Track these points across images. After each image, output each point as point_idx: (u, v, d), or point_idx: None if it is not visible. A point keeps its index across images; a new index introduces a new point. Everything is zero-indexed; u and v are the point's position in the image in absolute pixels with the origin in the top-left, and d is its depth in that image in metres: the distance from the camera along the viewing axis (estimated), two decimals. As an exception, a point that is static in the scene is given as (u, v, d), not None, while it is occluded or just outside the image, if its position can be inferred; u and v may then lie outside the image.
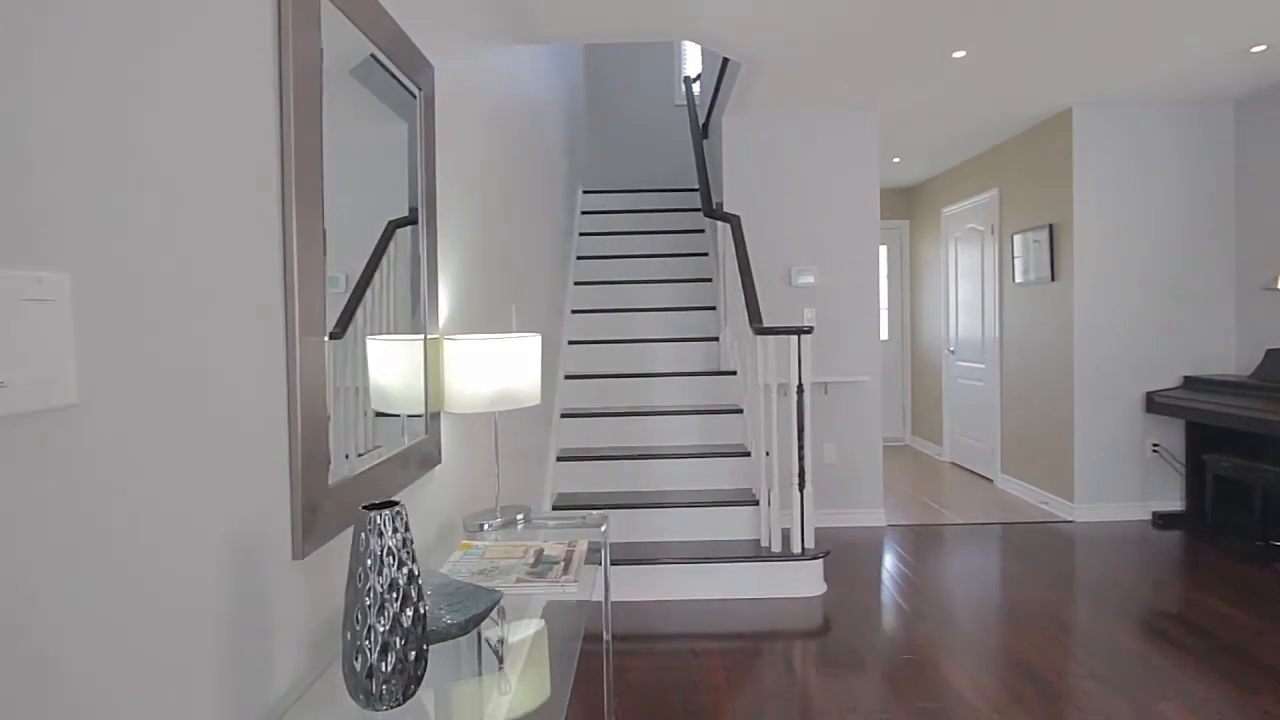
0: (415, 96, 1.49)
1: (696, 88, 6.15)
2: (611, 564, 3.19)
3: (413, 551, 0.91)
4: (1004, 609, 3.06)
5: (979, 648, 2.72)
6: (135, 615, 0.69)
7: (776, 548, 3.25)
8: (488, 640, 1.37)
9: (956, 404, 5.93)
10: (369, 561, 0.88)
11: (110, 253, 0.66)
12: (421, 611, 0.91)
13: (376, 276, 1.43)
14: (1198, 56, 3.50)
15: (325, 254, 1.05)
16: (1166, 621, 2.90)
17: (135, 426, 0.69)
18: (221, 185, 0.83)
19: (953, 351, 5.97)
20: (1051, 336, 4.54)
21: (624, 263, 4.93)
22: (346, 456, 1.27)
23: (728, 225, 4.06)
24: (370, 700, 0.87)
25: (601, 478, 3.63)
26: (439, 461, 1.58)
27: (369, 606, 0.87)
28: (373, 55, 1.31)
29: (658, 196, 5.72)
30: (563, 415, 3.84)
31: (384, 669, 0.87)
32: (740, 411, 3.87)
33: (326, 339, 1.07)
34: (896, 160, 5.63)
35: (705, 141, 5.42)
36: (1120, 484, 4.33)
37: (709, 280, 4.77)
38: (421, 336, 1.52)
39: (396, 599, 0.88)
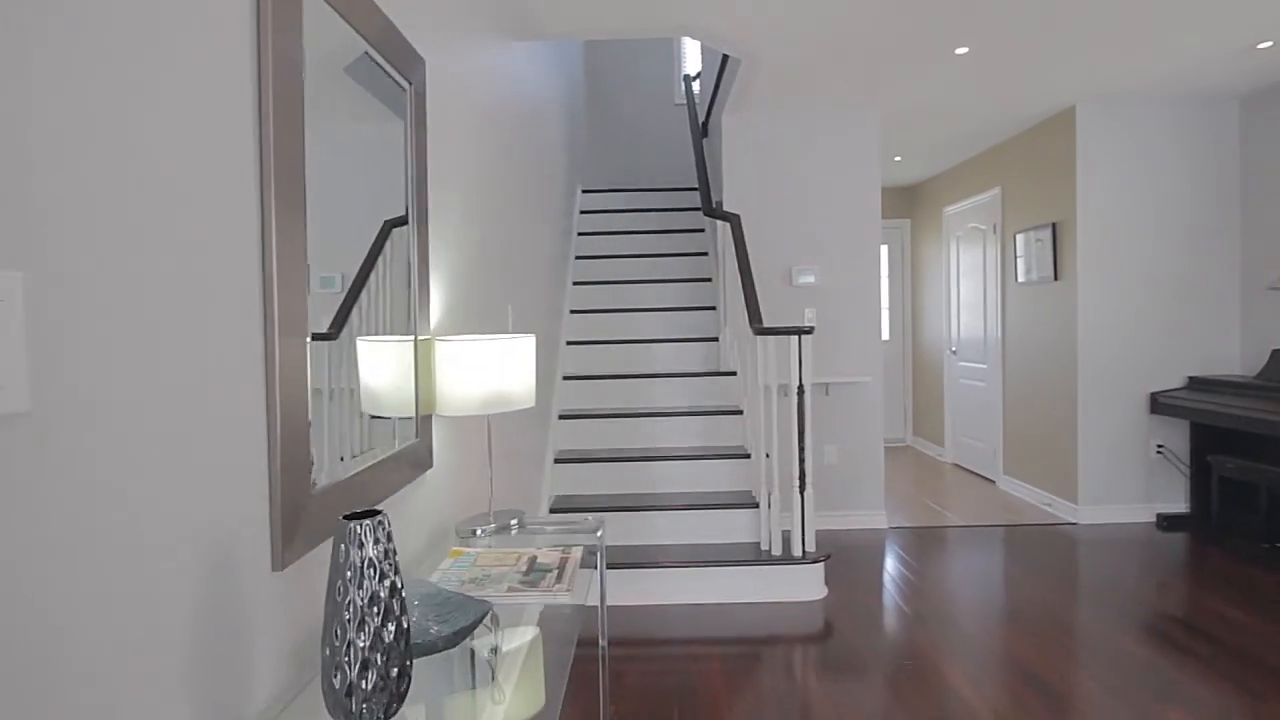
0: (405, 90, 1.45)
1: (696, 86, 6.11)
2: (609, 567, 3.16)
3: (395, 563, 0.88)
4: (1007, 612, 3.02)
5: (982, 652, 2.68)
6: (99, 633, 0.65)
7: (777, 551, 3.21)
8: (478, 651, 1.33)
9: (958, 404, 5.89)
10: (349, 574, 0.84)
11: (70, 251, 0.62)
12: (405, 626, 0.88)
13: (372, 277, 1.41)
14: (1203, 53, 3.46)
15: (307, 255, 1.02)
16: (1172, 625, 2.86)
17: (96, 434, 0.65)
18: (196, 185, 0.79)
19: (954, 351, 5.93)
20: (1054, 336, 4.49)
21: (623, 262, 4.89)
22: (342, 458, 1.25)
23: (727, 224, 4.03)
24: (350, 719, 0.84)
25: (600, 480, 3.59)
26: (430, 465, 1.55)
27: (348, 621, 0.83)
28: (367, 53, 1.29)
29: (657, 196, 5.69)
30: (561, 416, 3.80)
31: (364, 687, 0.83)
32: (740, 412, 3.83)
33: (309, 340, 1.03)
34: (898, 159, 5.59)
35: (705, 140, 5.39)
36: (1124, 485, 4.29)
37: (709, 280, 4.73)
38: (411, 337, 1.49)
39: (378, 613, 0.84)
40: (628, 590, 3.17)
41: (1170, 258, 4.26)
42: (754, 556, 3.20)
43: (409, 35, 1.50)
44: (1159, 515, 4.19)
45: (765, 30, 3.08)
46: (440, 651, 1.07)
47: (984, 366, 5.44)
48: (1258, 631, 2.80)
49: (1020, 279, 4.84)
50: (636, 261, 4.90)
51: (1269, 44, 3.36)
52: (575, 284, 4.66)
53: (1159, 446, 4.27)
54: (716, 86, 4.65)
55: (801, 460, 3.25)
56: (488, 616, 1.45)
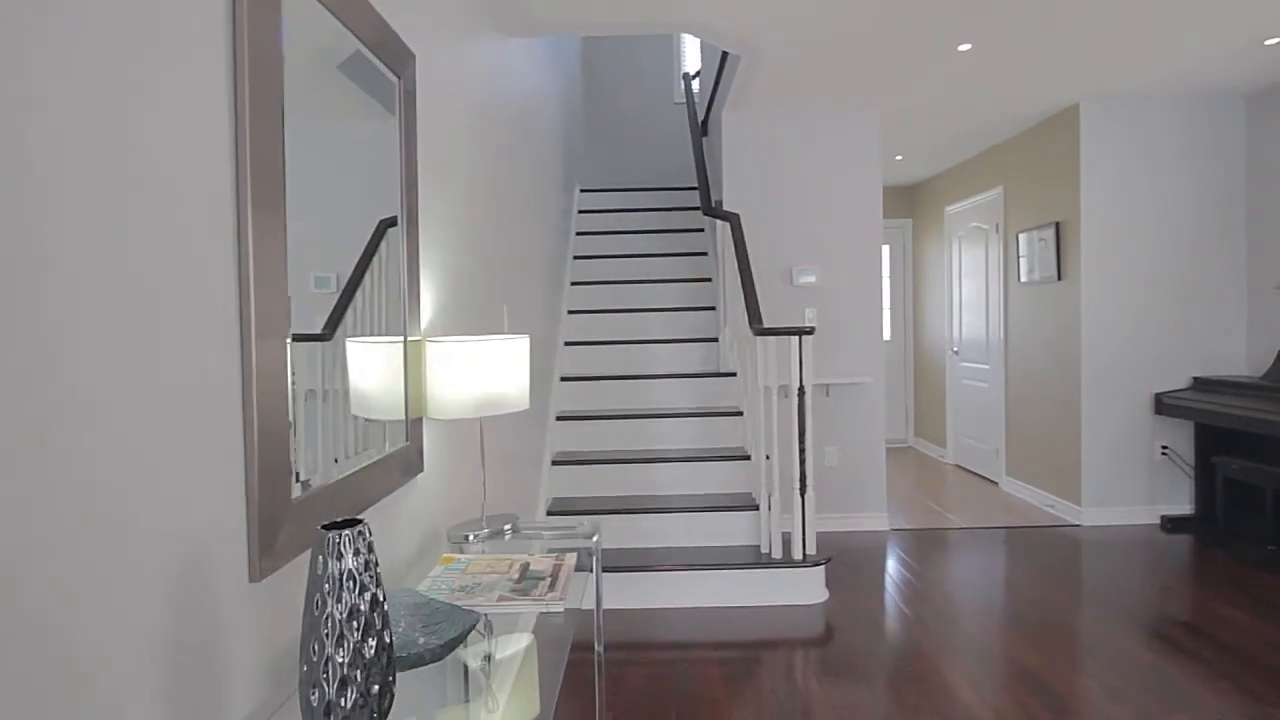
0: (395, 85, 1.41)
1: (696, 85, 6.07)
2: (607, 571, 3.12)
3: (377, 574, 0.84)
4: (1010, 616, 2.98)
5: (985, 657, 2.64)
6: (62, 648, 0.61)
7: (777, 554, 3.17)
8: (470, 660, 1.29)
9: (960, 405, 5.85)
10: (326, 587, 0.80)
11: (21, 247, 0.58)
12: (387, 641, 0.84)
13: (367, 277, 1.39)
14: (1209, 50, 3.42)
15: (287, 255, 0.98)
16: (1178, 630, 2.82)
17: (56, 440, 0.61)
18: (166, 184, 0.76)
19: (956, 352, 5.89)
20: (1057, 336, 4.45)
21: (622, 262, 4.85)
22: (337, 460, 1.23)
23: (727, 224, 3.99)
24: (328, 739, 0.80)
25: (598, 482, 3.55)
26: (421, 470, 1.51)
27: (326, 636, 0.79)
28: (359, 50, 1.26)
29: (656, 195, 5.65)
30: (558, 418, 3.77)
31: (343, 705, 0.79)
32: (740, 414, 3.79)
33: (289, 342, 0.99)
34: (899, 158, 5.55)
35: (704, 139, 5.35)
36: (1128, 487, 4.24)
37: (708, 280, 4.69)
38: (401, 338, 1.45)
39: (357, 628, 0.80)
40: (626, 593, 3.13)
41: (1175, 257, 4.22)
42: (754, 559, 3.16)
43: (398, 29, 1.47)
44: (1163, 517, 4.15)
45: (765, 26, 3.04)
46: (428, 664, 1.03)
47: (986, 367, 5.39)
48: (1263, 635, 2.76)
49: (1023, 279, 4.79)
50: (635, 261, 4.86)
51: (1276, 40, 3.32)
52: (573, 284, 4.62)
53: (1163, 448, 4.23)
54: (716, 84, 4.62)
55: (802, 462, 3.21)
56: (480, 624, 1.41)
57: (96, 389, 0.66)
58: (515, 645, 1.50)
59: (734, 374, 4.00)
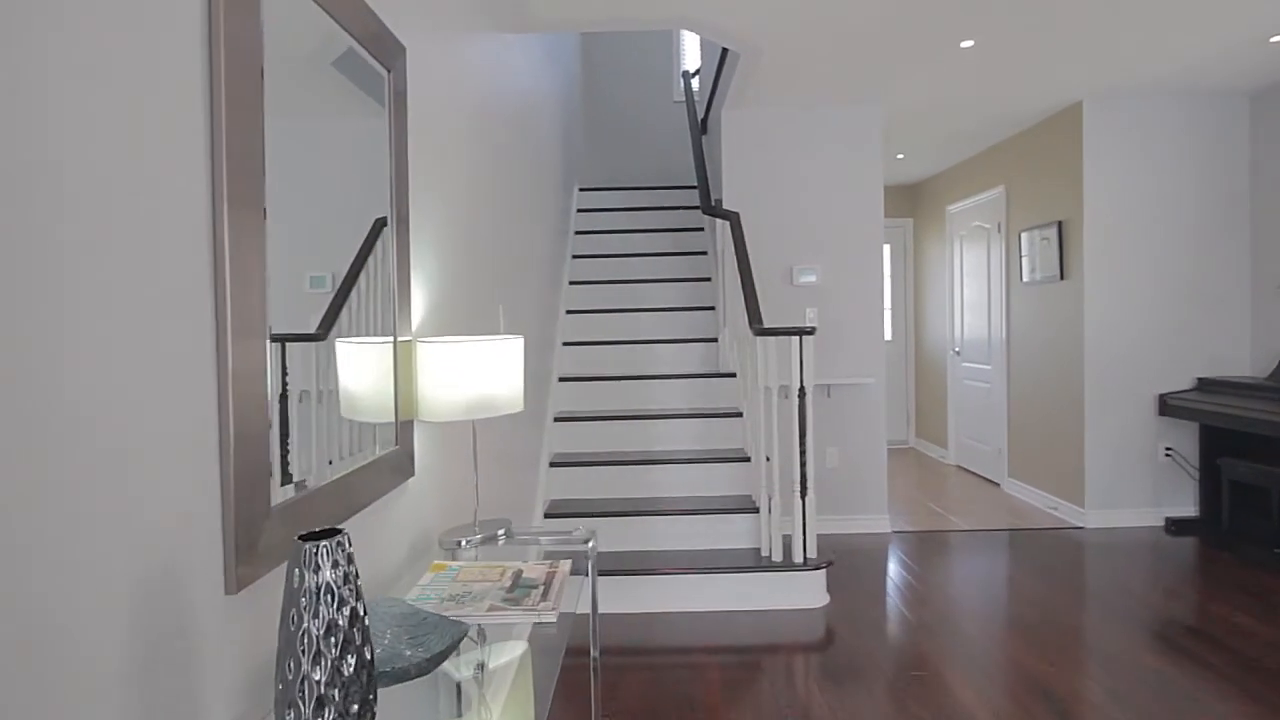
0: (384, 78, 1.37)
1: (695, 83, 6.03)
2: (605, 574, 3.08)
3: (357, 587, 0.80)
4: (1014, 620, 2.94)
5: (988, 662, 2.60)
6: (19, 664, 0.57)
7: (777, 557, 3.13)
8: (463, 670, 1.25)
9: (962, 406, 5.81)
10: (303, 601, 0.76)
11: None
12: (367, 657, 0.80)
13: (362, 277, 1.37)
14: (1213, 46, 3.38)
15: (266, 254, 0.94)
16: (1184, 635, 2.78)
17: (16, 443, 0.57)
18: (136, 181, 0.72)
19: (958, 352, 5.85)
20: (1060, 337, 4.41)
21: (621, 262, 4.81)
22: (331, 462, 1.21)
23: (727, 223, 3.95)
24: (304, 762, 0.76)
25: (596, 484, 3.51)
26: (412, 473, 1.47)
27: (302, 653, 0.75)
28: (352, 47, 1.24)
29: (656, 194, 5.61)
30: (556, 419, 3.73)
31: (320, 725, 0.76)
32: (740, 415, 3.75)
33: (268, 343, 0.95)
34: (900, 157, 5.51)
35: (704, 137, 5.31)
36: (1132, 489, 4.20)
37: (708, 280, 4.65)
38: (391, 339, 1.41)
39: (335, 645, 0.76)
40: (624, 597, 3.09)
41: (1178, 256, 4.18)
42: (754, 563, 3.12)
43: (388, 21, 1.43)
44: (1167, 519, 4.10)
45: (765, 22, 3.00)
46: (414, 678, 0.99)
47: (988, 367, 5.35)
48: (1269, 639, 2.72)
49: (1025, 278, 4.75)
50: (634, 261, 4.82)
51: (1282, 37, 3.28)
52: (572, 284, 4.58)
53: (1167, 449, 4.19)
54: (716, 82, 4.58)
55: (803, 464, 3.17)
56: (473, 632, 1.37)
57: (58, 389, 0.62)
58: (509, 654, 1.46)
59: (734, 374, 3.96)
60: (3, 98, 0.58)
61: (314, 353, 1.16)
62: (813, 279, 4.22)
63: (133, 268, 0.72)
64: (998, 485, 5.23)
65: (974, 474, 5.62)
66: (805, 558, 3.14)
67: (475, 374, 1.46)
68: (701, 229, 5.15)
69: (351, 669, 0.78)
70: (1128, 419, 4.19)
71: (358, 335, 1.31)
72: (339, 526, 0.82)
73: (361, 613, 0.80)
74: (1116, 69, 3.66)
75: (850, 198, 4.23)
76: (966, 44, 3.27)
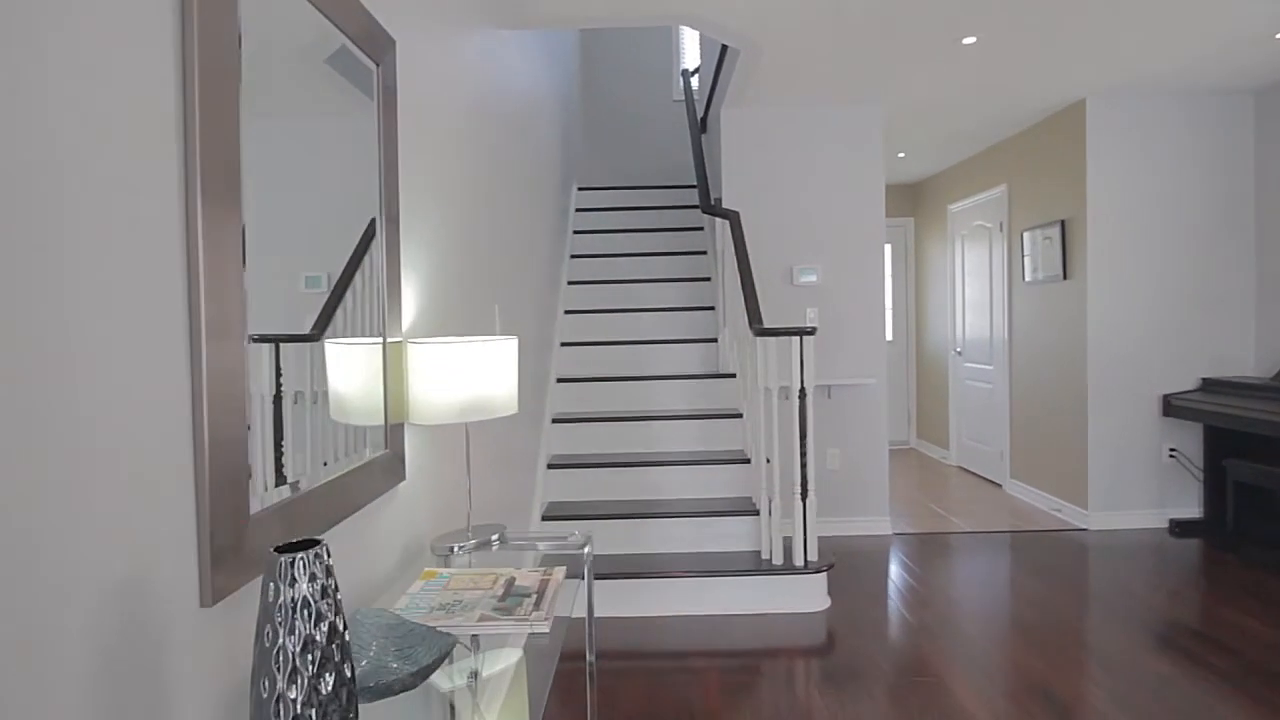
0: (373, 72, 1.33)
1: (695, 82, 5.99)
2: (602, 578, 3.04)
3: (336, 602, 0.76)
4: (1017, 624, 2.90)
5: (991, 666, 2.56)
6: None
7: (778, 560, 3.09)
8: (455, 680, 1.21)
9: (963, 406, 5.77)
10: (278, 616, 0.72)
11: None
12: (347, 675, 0.76)
13: (358, 276, 1.34)
14: (1219, 43, 3.34)
15: (244, 253, 0.91)
16: (1188, 638, 2.74)
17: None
18: (106, 179, 0.68)
19: (959, 352, 5.81)
20: (1063, 337, 4.37)
21: (620, 261, 4.78)
22: (326, 464, 1.19)
23: (726, 222, 3.91)
24: (279, 786, 0.72)
25: (594, 486, 3.47)
26: (403, 478, 1.43)
27: (278, 671, 0.72)
28: (345, 45, 1.22)
29: (655, 194, 5.57)
30: (554, 420, 3.69)
31: (297, 747, 0.72)
32: (740, 416, 3.72)
33: (246, 344, 0.91)
34: (901, 155, 5.47)
35: (704, 136, 5.27)
36: (1136, 490, 4.16)
37: (707, 279, 4.62)
38: (380, 340, 1.37)
39: (313, 662, 0.73)
40: (622, 601, 3.05)
41: (1183, 256, 4.14)
42: (754, 566, 3.08)
43: (376, 13, 1.39)
44: (1171, 521, 4.06)
45: (765, 19, 2.97)
46: (399, 693, 0.96)
47: (990, 368, 5.31)
48: (1276, 643, 2.68)
49: (1027, 278, 4.72)
50: (633, 260, 4.78)
51: (1288, 33, 3.24)
52: (570, 283, 4.54)
53: (1171, 450, 4.15)
54: (715, 80, 4.54)
55: (803, 465, 3.14)
56: (467, 639, 1.33)
57: (13, 391, 0.58)
58: (504, 662, 1.42)
59: (733, 375, 3.92)
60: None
61: (308, 354, 1.14)
62: (813, 279, 4.19)
63: (98, 267, 0.68)
64: (999, 486, 5.19)
65: (976, 475, 5.58)
66: (806, 560, 3.10)
67: (468, 376, 1.42)
68: (701, 228, 5.11)
69: (330, 687, 0.74)
70: (1131, 420, 4.15)
71: (353, 336, 1.29)
72: (317, 538, 0.78)
73: (341, 628, 0.76)
74: (1120, 66, 3.62)
75: (851, 197, 4.20)
76: (968, 41, 3.23)
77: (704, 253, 4.84)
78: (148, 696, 0.75)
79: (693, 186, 5.52)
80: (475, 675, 1.39)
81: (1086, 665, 2.56)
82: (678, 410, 3.85)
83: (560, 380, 3.91)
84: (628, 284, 4.54)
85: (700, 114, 5.48)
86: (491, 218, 2.42)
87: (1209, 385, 4.04)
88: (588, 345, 4.12)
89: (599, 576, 3.04)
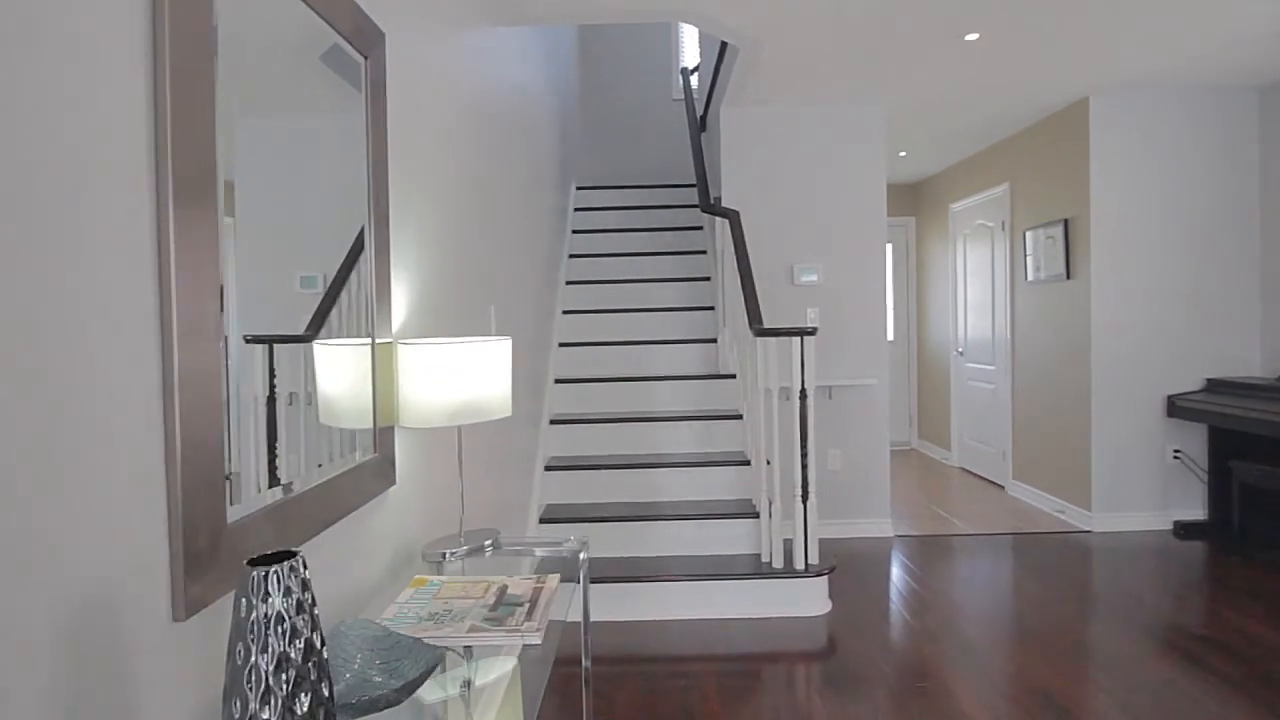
0: (361, 65, 1.30)
1: (694, 80, 5.95)
2: (601, 581, 3.00)
3: (313, 617, 0.72)
4: (1021, 628, 2.86)
5: (994, 671, 2.52)
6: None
7: (778, 563, 3.06)
8: (446, 691, 1.18)
9: (965, 407, 5.73)
10: (251, 633, 0.68)
11: None
12: (325, 694, 0.72)
13: (353, 276, 1.32)
14: (1223, 40, 3.30)
15: (219, 253, 0.87)
16: (1194, 642, 2.70)
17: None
18: (70, 176, 0.64)
19: (961, 352, 5.77)
20: (1066, 337, 4.33)
21: (619, 261, 4.74)
22: (320, 466, 1.17)
23: (726, 221, 3.87)
24: (251, 813, 0.68)
25: (592, 488, 3.43)
26: (393, 482, 1.39)
27: (250, 691, 0.68)
28: (337, 43, 1.20)
29: (654, 193, 5.53)
30: (552, 421, 3.65)
31: (270, 772, 0.68)
32: (740, 417, 3.68)
33: (223, 345, 0.88)
34: (903, 154, 5.43)
35: (703, 135, 5.23)
36: (1140, 492, 4.12)
37: (707, 279, 4.58)
38: (369, 341, 1.33)
39: (287, 682, 0.69)
40: (620, 605, 3.01)
41: (1187, 255, 4.10)
42: (754, 569, 3.04)
43: (365, 7, 1.35)
44: (1176, 523, 4.03)
45: (765, 16, 2.93)
46: (383, 709, 0.92)
47: (992, 368, 5.27)
48: (1287, 649, 2.64)
49: (1030, 278, 4.68)
50: (633, 260, 4.75)
51: (1294, 30, 3.20)
52: (569, 283, 4.50)
53: (1176, 451, 4.11)
54: (714, 78, 4.50)
55: (804, 467, 3.10)
56: (461, 649, 1.30)
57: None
58: (498, 670, 1.38)
59: (733, 376, 3.89)
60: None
61: (301, 354, 1.13)
62: (814, 278, 4.15)
63: (64, 266, 0.65)
64: (1002, 488, 5.15)
65: (978, 476, 5.54)
66: (807, 564, 3.07)
67: (460, 378, 1.39)
68: (701, 227, 5.08)
69: (305, 708, 0.70)
70: (1135, 421, 4.11)
71: (349, 336, 1.28)
72: (294, 549, 0.74)
73: (319, 645, 0.72)
74: (1123, 64, 3.58)
75: (852, 196, 4.16)
76: (971, 37, 3.19)
77: (704, 252, 4.80)
78: (117, 706, 0.71)
79: (692, 185, 5.48)
80: (468, 684, 1.35)
81: (1090, 670, 2.52)
82: (677, 411, 3.81)
83: (558, 381, 3.88)
84: (627, 284, 4.51)
85: (700, 112, 5.45)
86: (488, 216, 2.38)
87: (1214, 386, 4.00)
88: (586, 346, 4.08)
89: (597, 580, 3.00)
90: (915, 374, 6.72)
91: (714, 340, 4.13)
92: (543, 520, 3.20)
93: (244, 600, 0.69)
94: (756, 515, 3.21)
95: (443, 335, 1.83)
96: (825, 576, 3.05)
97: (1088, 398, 4.13)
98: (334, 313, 1.25)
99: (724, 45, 4.03)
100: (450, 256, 1.91)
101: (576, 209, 5.23)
